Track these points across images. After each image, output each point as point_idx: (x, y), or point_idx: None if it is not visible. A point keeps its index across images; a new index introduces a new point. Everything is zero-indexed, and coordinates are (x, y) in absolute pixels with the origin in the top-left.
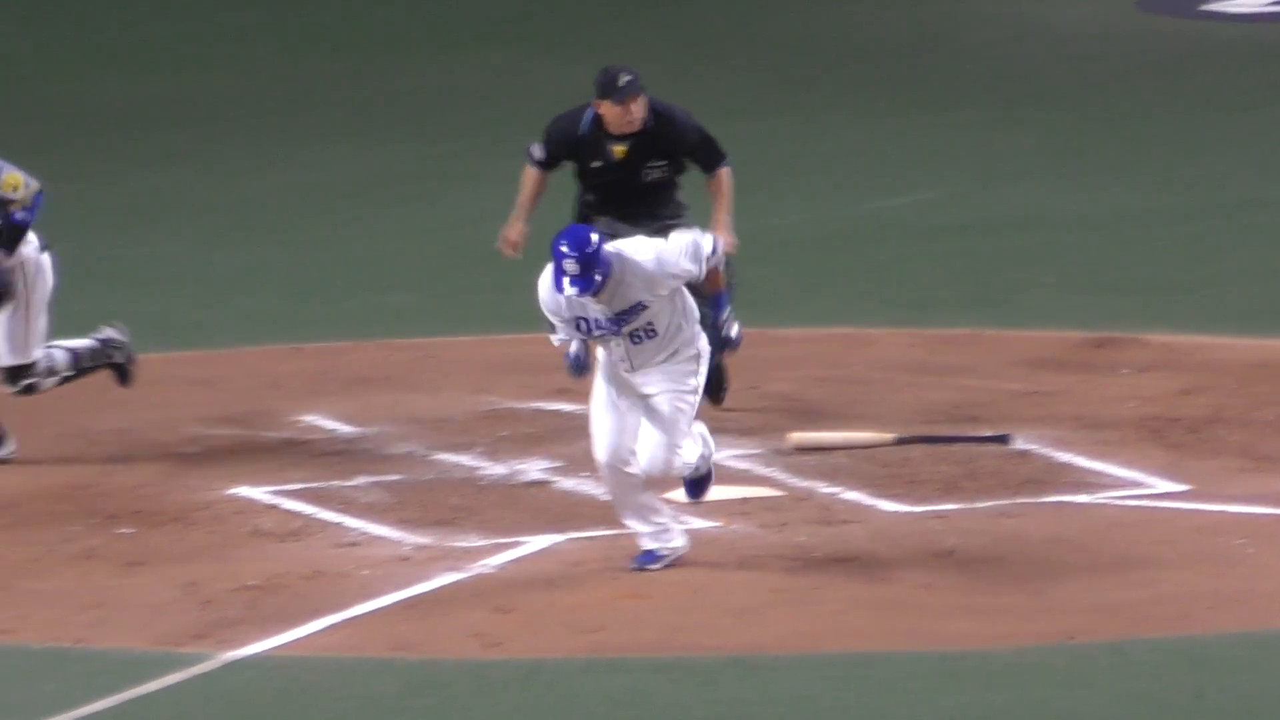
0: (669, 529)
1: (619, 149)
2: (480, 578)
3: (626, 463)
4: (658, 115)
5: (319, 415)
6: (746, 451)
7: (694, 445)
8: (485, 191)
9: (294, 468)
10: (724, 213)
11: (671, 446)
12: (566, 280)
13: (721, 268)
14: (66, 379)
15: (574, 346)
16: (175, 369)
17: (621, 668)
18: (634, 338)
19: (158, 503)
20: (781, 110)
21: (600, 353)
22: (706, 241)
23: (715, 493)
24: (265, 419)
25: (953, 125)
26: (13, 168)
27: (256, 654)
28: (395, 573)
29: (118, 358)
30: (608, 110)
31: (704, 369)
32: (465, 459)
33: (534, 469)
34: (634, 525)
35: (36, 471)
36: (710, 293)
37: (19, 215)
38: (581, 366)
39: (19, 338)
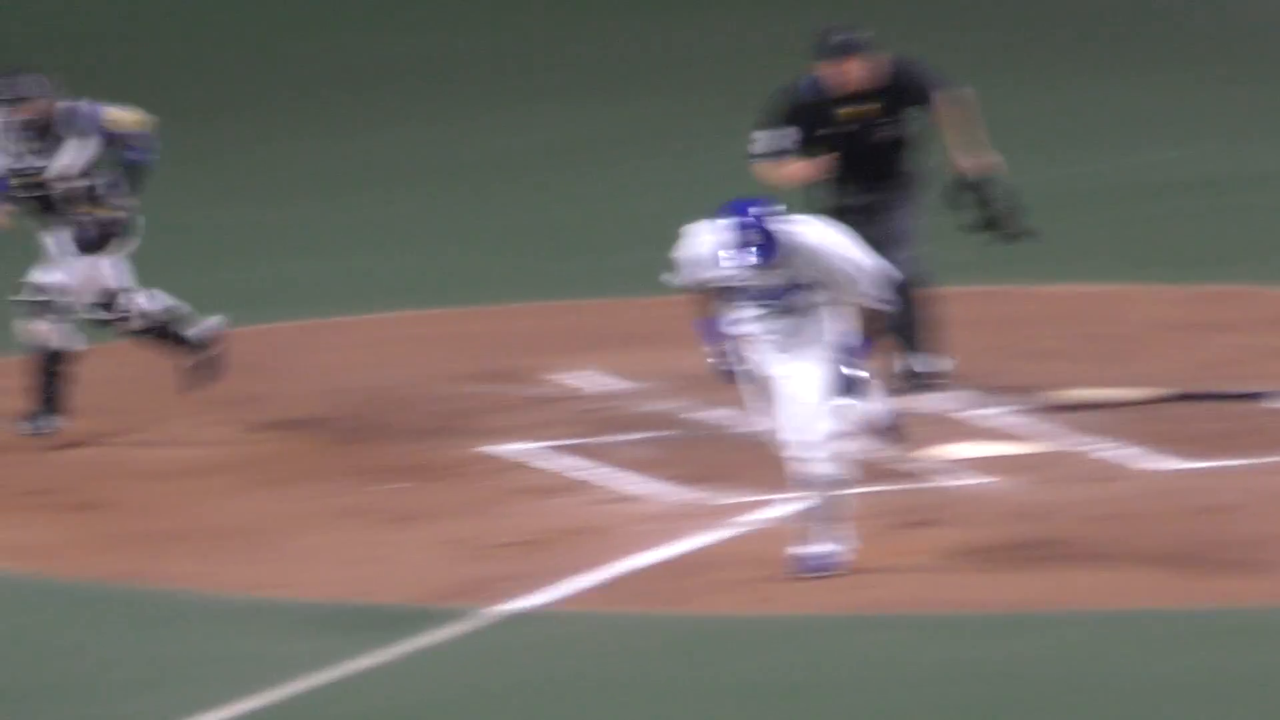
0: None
1: (846, 110)
2: (747, 534)
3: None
4: (889, 67)
5: (587, 371)
6: (1013, 408)
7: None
8: (738, 150)
9: (562, 424)
10: (956, 138)
11: (817, 411)
12: (738, 252)
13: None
14: (154, 328)
15: (724, 350)
16: (441, 325)
17: (886, 625)
18: (781, 316)
19: (427, 458)
20: (1031, 69)
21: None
22: (878, 280)
23: (981, 449)
24: (530, 375)
25: (1203, 81)
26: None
27: (525, 609)
28: (662, 529)
29: (193, 337)
30: (827, 71)
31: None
32: (732, 415)
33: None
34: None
35: (306, 427)
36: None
37: (133, 153)
38: (730, 372)
39: (102, 279)
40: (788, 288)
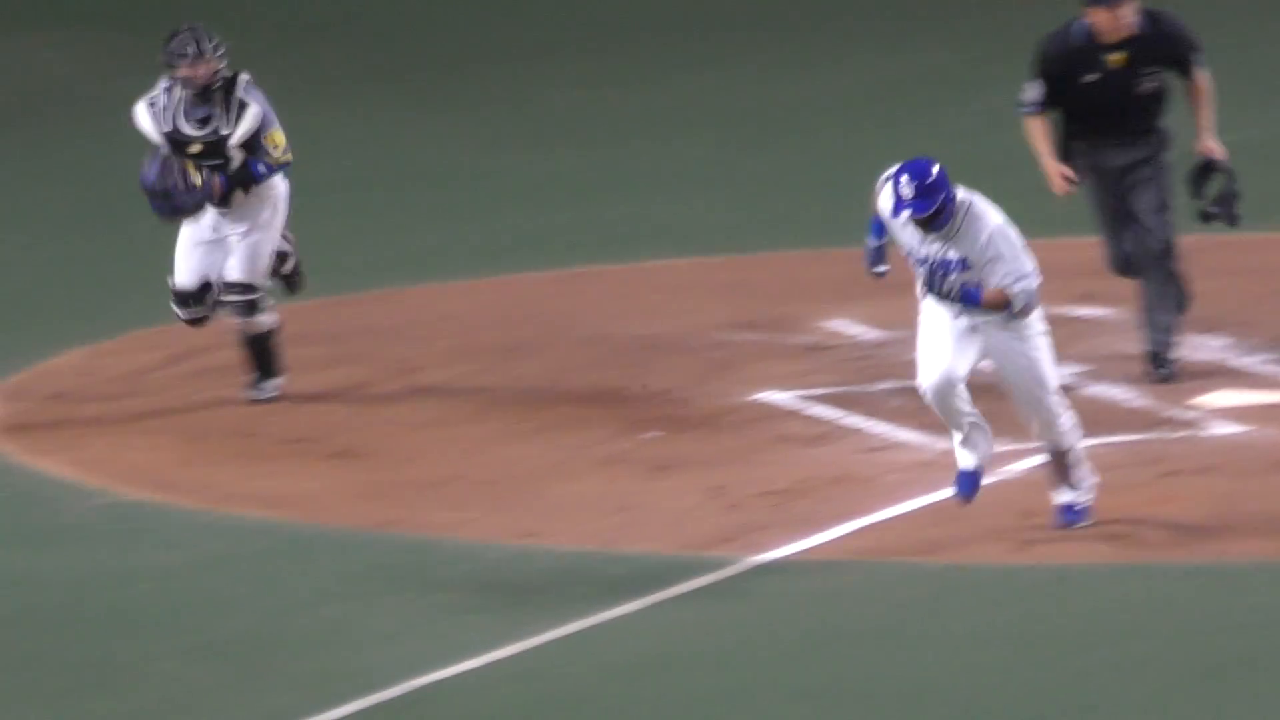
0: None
1: (1114, 58)
2: (1006, 482)
3: (954, 388)
4: (1150, 18)
5: (845, 320)
6: (1272, 356)
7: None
8: (1013, 98)
9: (820, 372)
10: (1207, 118)
11: (1045, 390)
12: (907, 211)
13: (1011, 306)
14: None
15: (871, 243)
16: (703, 274)
17: (1151, 573)
18: (965, 287)
19: (684, 407)
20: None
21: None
22: (1031, 281)
23: (1243, 398)
24: (792, 323)
25: None
26: (279, 129)
27: (782, 558)
28: (921, 477)
29: (285, 268)
30: (1098, 17)
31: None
32: (988, 363)
33: (1061, 374)
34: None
35: (565, 377)
36: (985, 295)
37: (261, 169)
38: (878, 259)
39: (259, 261)
40: (956, 262)
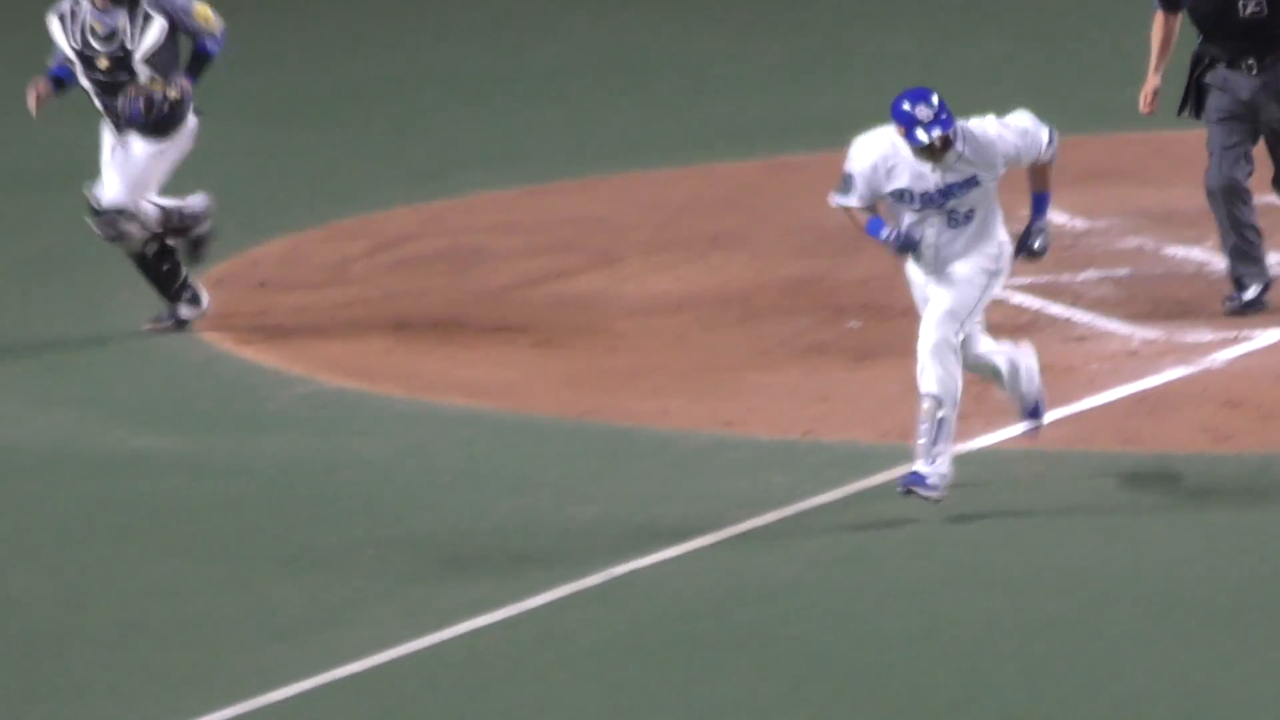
0: (945, 459)
1: None
2: (1209, 372)
3: (973, 346)
4: None
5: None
6: None
7: (1007, 361)
8: None
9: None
10: None
11: (952, 318)
12: (921, 129)
13: (1052, 163)
14: (151, 236)
15: (905, 221)
16: None
17: None
18: (952, 219)
19: (886, 297)
20: None
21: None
22: (1044, 133)
23: None
24: None
25: None
26: (200, 3)
27: (983, 447)
28: (1124, 367)
29: (198, 229)
30: None
31: (1004, 274)
32: (1195, 253)
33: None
34: (924, 440)
35: (767, 266)
36: (1036, 189)
37: (209, 44)
38: (909, 244)
39: (138, 182)
40: (965, 182)
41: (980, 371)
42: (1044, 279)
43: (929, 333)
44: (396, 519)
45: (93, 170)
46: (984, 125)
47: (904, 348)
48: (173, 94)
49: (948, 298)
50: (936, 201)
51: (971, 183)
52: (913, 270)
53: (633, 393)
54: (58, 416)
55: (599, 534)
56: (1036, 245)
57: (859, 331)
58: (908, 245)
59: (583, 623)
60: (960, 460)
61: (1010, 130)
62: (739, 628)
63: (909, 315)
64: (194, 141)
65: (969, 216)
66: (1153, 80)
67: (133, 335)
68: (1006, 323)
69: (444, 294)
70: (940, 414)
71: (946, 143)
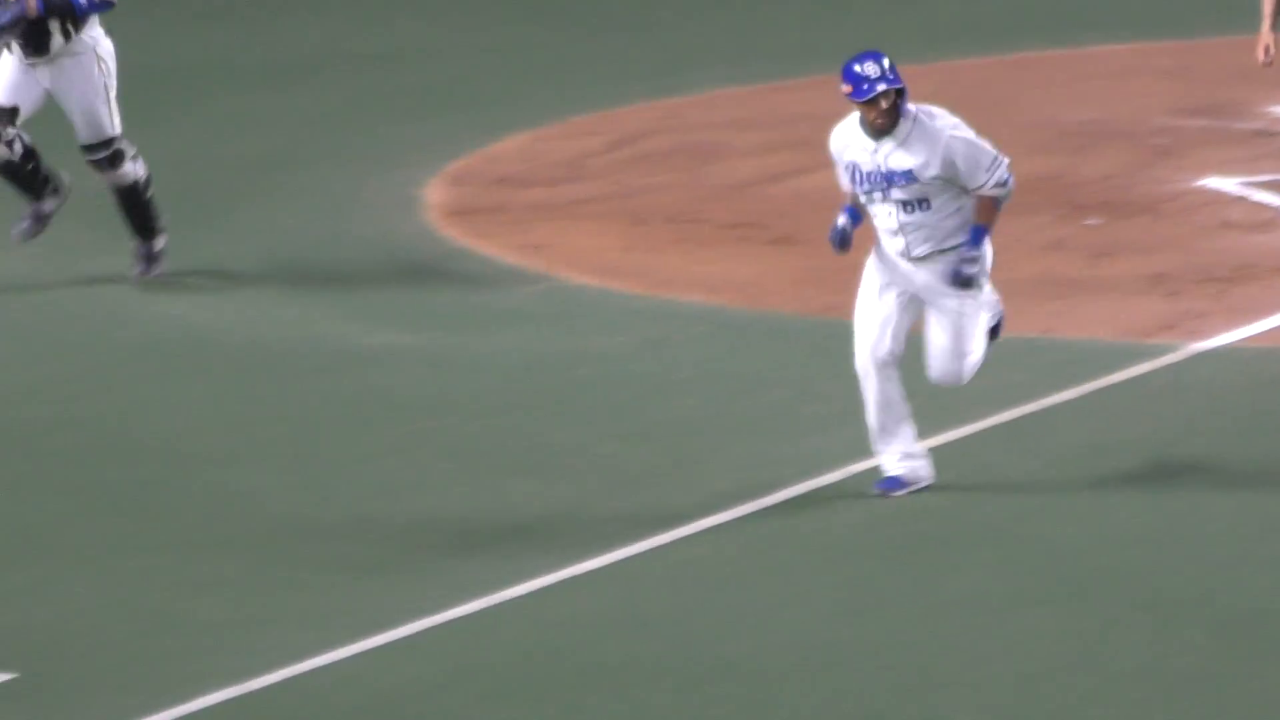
0: (915, 457)
1: None
2: None
3: (886, 366)
4: None
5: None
6: None
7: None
8: None
9: (1266, 158)
10: None
11: (961, 354)
12: (866, 85)
13: (1000, 203)
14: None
15: (840, 218)
16: (1145, 59)
17: None
18: (906, 207)
19: (1126, 194)
20: None
21: (876, 236)
22: (997, 163)
23: None
24: (1236, 109)
25: None
26: None
27: (1222, 345)
28: None
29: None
30: None
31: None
32: None
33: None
34: (883, 449)
35: (1017, 159)
36: (976, 220)
37: (82, 1)
38: (843, 239)
39: (98, 117)
40: (906, 172)
41: (886, 397)
42: None
43: (946, 378)
44: (636, 414)
45: (319, 68)
46: (942, 119)
47: (1144, 245)
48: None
49: (948, 337)
50: (880, 185)
51: (909, 177)
52: (879, 268)
53: None
54: (297, 312)
55: (837, 432)
56: (964, 272)
57: (1098, 228)
58: (836, 239)
59: (820, 520)
60: (1199, 358)
61: (961, 140)
62: (976, 525)
63: (1149, 212)
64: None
65: (925, 204)
66: (1266, 31)
67: (372, 229)
68: (1246, 220)
69: (681, 190)
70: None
71: (892, 111)
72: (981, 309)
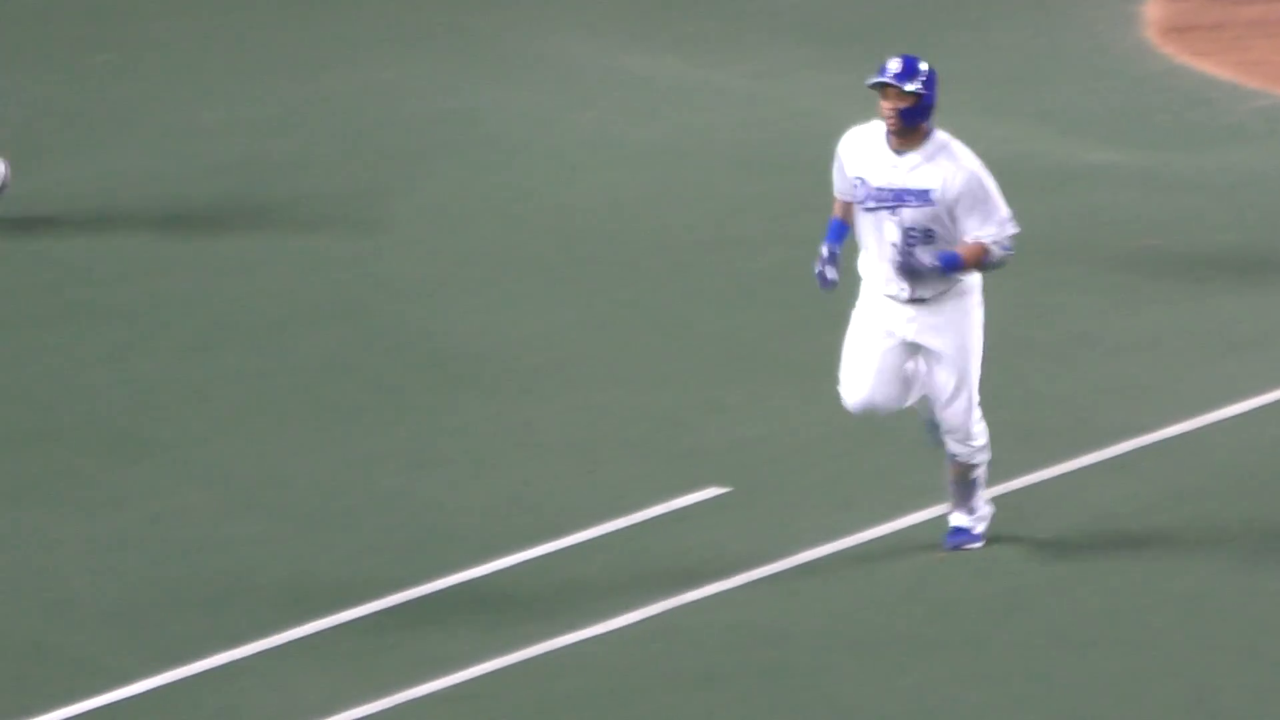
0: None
1: None
2: None
3: (877, 412)
4: None
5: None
6: None
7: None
8: None
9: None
10: None
11: (970, 405)
12: (882, 72)
13: (989, 257)
14: None
15: (824, 251)
16: None
17: None
18: (909, 236)
19: None
20: None
21: (864, 276)
22: (1006, 223)
23: None
24: None
25: None
26: None
27: None
28: None
29: None
30: None
31: (979, 318)
32: None
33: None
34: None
35: None
36: (960, 249)
37: None
38: (827, 280)
39: None
40: (920, 193)
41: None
42: None
43: (949, 424)
44: None
45: None
46: (972, 159)
47: None
48: None
49: (949, 381)
50: (888, 202)
51: (925, 198)
52: (871, 311)
53: None
54: (1013, 129)
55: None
56: (914, 262)
57: None
58: (821, 280)
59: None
60: None
61: (981, 183)
62: None
63: None
64: None
65: (929, 234)
66: None
67: (1090, 48)
68: None
69: None
70: (977, 473)
71: (898, 117)
72: (976, 361)
